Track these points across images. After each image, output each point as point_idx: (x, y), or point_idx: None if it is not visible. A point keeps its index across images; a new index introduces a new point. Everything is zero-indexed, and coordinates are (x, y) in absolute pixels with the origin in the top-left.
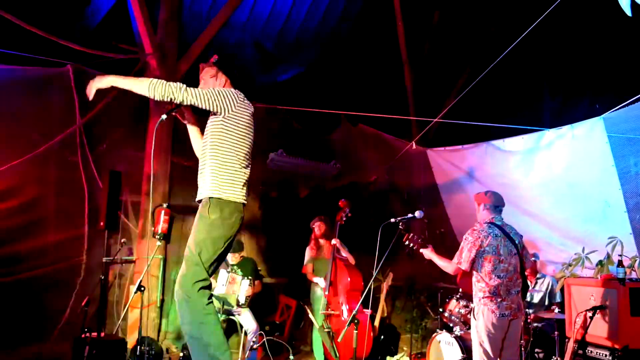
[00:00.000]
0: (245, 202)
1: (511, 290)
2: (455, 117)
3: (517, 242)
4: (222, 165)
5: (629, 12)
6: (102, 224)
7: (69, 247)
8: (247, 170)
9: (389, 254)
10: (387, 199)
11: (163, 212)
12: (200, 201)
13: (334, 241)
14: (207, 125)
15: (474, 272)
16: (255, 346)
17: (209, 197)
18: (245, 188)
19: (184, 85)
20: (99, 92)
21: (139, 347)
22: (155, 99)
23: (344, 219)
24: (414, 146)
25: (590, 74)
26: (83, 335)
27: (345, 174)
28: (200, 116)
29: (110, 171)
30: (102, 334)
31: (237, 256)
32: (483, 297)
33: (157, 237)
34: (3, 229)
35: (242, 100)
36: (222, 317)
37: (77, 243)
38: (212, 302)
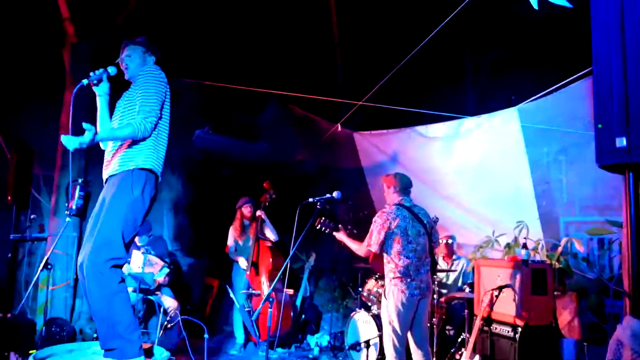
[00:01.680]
0: (160, 179)
1: (420, 270)
2: (384, 101)
3: (425, 222)
4: (148, 141)
5: (535, 5)
6: (9, 198)
7: None
8: (165, 148)
9: (313, 235)
10: (313, 180)
11: (79, 187)
12: (112, 176)
13: (258, 212)
14: (128, 97)
15: (384, 254)
16: (169, 325)
17: (132, 170)
18: (161, 162)
19: (149, 116)
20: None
21: (47, 328)
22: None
23: (269, 200)
24: (339, 128)
25: (509, 65)
26: None
27: (273, 154)
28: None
29: (18, 140)
30: (9, 315)
31: (146, 237)
32: (393, 278)
33: (67, 212)
34: None
35: (164, 78)
36: (139, 297)
37: None
38: (124, 281)
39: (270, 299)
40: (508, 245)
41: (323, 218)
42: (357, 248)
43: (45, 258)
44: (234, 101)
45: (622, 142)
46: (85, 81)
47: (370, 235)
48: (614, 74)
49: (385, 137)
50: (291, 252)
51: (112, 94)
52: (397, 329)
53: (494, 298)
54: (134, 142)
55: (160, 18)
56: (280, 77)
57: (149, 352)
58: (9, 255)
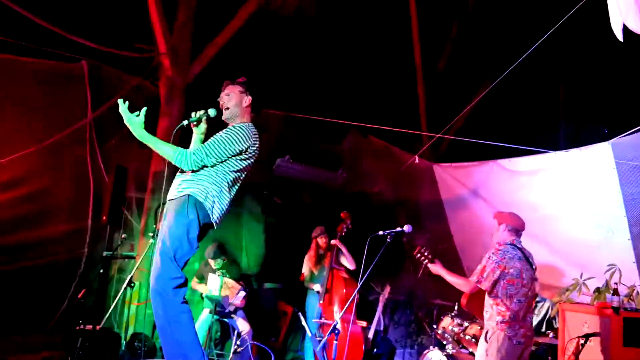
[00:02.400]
0: (215, 225)
1: (527, 317)
2: (468, 134)
3: (534, 267)
4: (212, 179)
5: (620, 37)
6: (104, 218)
7: (72, 239)
8: (229, 199)
9: (388, 267)
10: (391, 211)
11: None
12: (173, 199)
13: (333, 241)
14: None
15: (492, 295)
16: (239, 349)
17: (189, 195)
18: (221, 213)
19: (202, 156)
20: (111, 88)
21: (130, 342)
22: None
23: (345, 230)
24: (417, 160)
25: (602, 99)
26: (78, 327)
27: (351, 184)
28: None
29: (117, 166)
30: (98, 327)
31: (220, 261)
32: (501, 322)
33: (151, 234)
34: (9, 217)
35: (254, 137)
36: (215, 319)
37: (80, 235)
38: (186, 301)
39: (337, 331)
40: (598, 290)
41: (423, 248)
42: (460, 282)
43: (130, 276)
44: (315, 131)
45: None
46: (185, 122)
47: (482, 271)
48: None
49: (466, 169)
50: (359, 285)
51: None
52: None
53: (580, 347)
54: (205, 176)
55: (248, 52)
56: (360, 108)
57: None
58: (102, 270)
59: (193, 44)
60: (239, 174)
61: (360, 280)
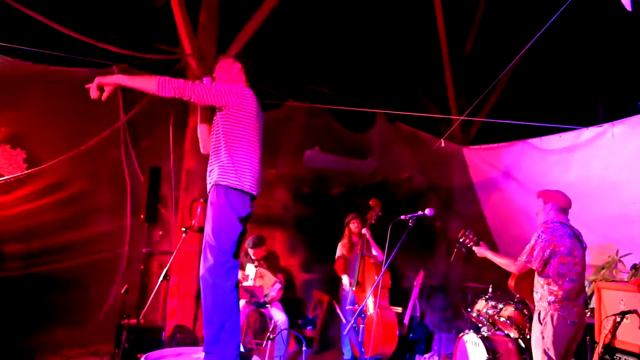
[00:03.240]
0: (253, 193)
1: (580, 296)
2: (498, 115)
3: (584, 245)
4: (226, 156)
5: (629, 8)
6: (142, 216)
7: (112, 238)
8: (254, 163)
9: (422, 253)
10: (422, 197)
11: (200, 206)
12: (209, 192)
13: (363, 230)
14: (213, 121)
15: (544, 275)
16: (272, 337)
17: (215, 185)
18: (251, 179)
19: (190, 82)
20: (141, 92)
21: (173, 334)
22: (166, 96)
23: (375, 217)
24: (443, 144)
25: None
26: (123, 321)
27: (380, 171)
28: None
29: (151, 167)
30: (142, 321)
31: (260, 251)
32: (554, 302)
33: (182, 229)
34: (53, 219)
35: (247, 95)
36: (251, 309)
37: (120, 234)
38: (236, 288)
39: (362, 315)
40: (634, 267)
41: (468, 231)
42: (507, 263)
43: (165, 270)
44: (342, 120)
45: None
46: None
47: (531, 251)
48: None
49: (496, 151)
50: (383, 268)
51: None
52: (554, 358)
53: (617, 325)
54: (219, 158)
55: (272, 46)
56: (388, 95)
57: (244, 358)
58: (142, 267)
59: (218, 42)
60: (246, 135)
61: (385, 265)
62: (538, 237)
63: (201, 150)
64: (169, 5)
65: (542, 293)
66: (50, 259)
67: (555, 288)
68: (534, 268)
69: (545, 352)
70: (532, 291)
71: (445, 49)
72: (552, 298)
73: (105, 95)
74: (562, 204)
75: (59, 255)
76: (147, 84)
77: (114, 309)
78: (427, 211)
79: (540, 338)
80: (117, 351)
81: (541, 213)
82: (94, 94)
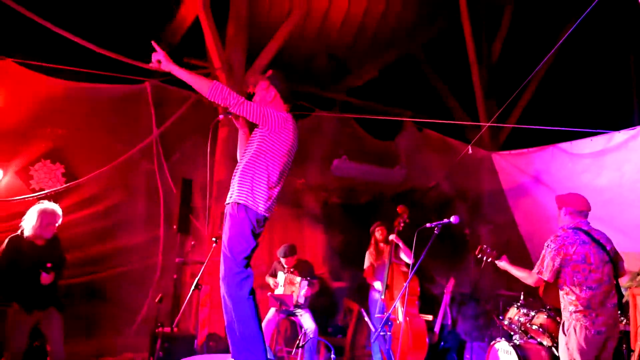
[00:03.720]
0: (267, 215)
1: (606, 303)
2: (529, 121)
3: (608, 248)
4: (253, 176)
5: None
6: (175, 227)
7: (146, 248)
8: (276, 189)
9: (452, 261)
10: (450, 204)
11: None
12: (228, 204)
13: (391, 237)
14: (252, 135)
15: (561, 284)
16: (301, 344)
17: (236, 203)
18: (268, 204)
19: (242, 99)
20: (174, 104)
21: (206, 342)
22: (215, 101)
23: (402, 224)
24: (470, 150)
25: None
26: (157, 330)
27: (408, 179)
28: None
29: (183, 179)
30: (175, 329)
31: (292, 260)
32: (575, 312)
33: (213, 239)
34: (90, 231)
35: (289, 126)
36: (281, 317)
37: (154, 244)
38: (252, 295)
39: (389, 322)
40: None
41: (484, 246)
42: (525, 276)
43: (196, 279)
44: (370, 129)
45: None
46: (221, 116)
47: (541, 261)
48: None
49: (526, 156)
50: (409, 277)
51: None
52: None
53: None
54: (245, 175)
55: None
56: (415, 102)
57: None
58: (175, 276)
59: (247, 53)
60: (276, 163)
61: (411, 272)
62: (547, 246)
63: (238, 157)
64: (198, 20)
65: (564, 303)
66: (88, 270)
67: (574, 298)
68: (545, 279)
69: None
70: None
71: (473, 55)
72: (572, 308)
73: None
74: (577, 207)
75: (95, 266)
76: (200, 84)
77: (148, 318)
78: (452, 219)
79: (566, 349)
80: (151, 359)
81: (558, 219)
82: (153, 64)
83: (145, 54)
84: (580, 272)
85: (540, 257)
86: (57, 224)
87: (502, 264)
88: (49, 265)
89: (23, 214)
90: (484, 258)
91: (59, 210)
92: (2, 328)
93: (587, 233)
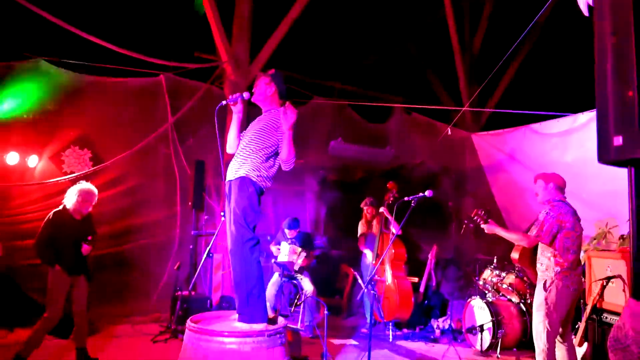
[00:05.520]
0: (269, 186)
1: (579, 266)
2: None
3: (580, 221)
4: (260, 162)
5: (586, 13)
6: (190, 203)
7: (166, 223)
8: (275, 167)
9: (435, 230)
10: (435, 180)
11: None
12: (235, 179)
13: (381, 209)
14: (260, 121)
15: (551, 248)
16: (298, 303)
17: (244, 177)
18: (270, 177)
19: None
20: (187, 94)
21: (219, 304)
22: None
23: (392, 198)
24: (450, 132)
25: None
26: (176, 293)
27: (398, 158)
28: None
29: (196, 161)
30: (192, 293)
31: (294, 232)
32: (560, 272)
33: (222, 213)
34: (116, 208)
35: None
36: (284, 281)
37: (172, 220)
38: (258, 257)
39: (374, 283)
40: (622, 237)
41: (481, 210)
42: (518, 238)
43: (208, 248)
44: (363, 114)
45: (618, 140)
46: (224, 102)
47: (541, 226)
48: (609, 73)
49: (502, 136)
50: (390, 243)
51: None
52: (556, 321)
53: (603, 288)
54: (255, 157)
55: (298, 49)
56: (405, 88)
57: (272, 321)
58: (191, 247)
59: (250, 47)
60: (274, 145)
61: (391, 239)
62: (547, 214)
63: (227, 150)
64: (207, 19)
65: (548, 264)
66: (115, 242)
67: (561, 260)
68: (543, 242)
69: (547, 315)
70: (533, 263)
71: (457, 45)
72: (558, 269)
73: None
74: (560, 183)
75: (122, 239)
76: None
77: (169, 283)
78: (427, 192)
79: (544, 304)
80: (173, 318)
81: (542, 193)
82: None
83: (160, 50)
84: (569, 239)
85: (540, 223)
86: (93, 202)
87: (491, 227)
88: (89, 238)
89: (57, 194)
90: (476, 219)
91: (95, 190)
92: (44, 288)
93: (570, 206)
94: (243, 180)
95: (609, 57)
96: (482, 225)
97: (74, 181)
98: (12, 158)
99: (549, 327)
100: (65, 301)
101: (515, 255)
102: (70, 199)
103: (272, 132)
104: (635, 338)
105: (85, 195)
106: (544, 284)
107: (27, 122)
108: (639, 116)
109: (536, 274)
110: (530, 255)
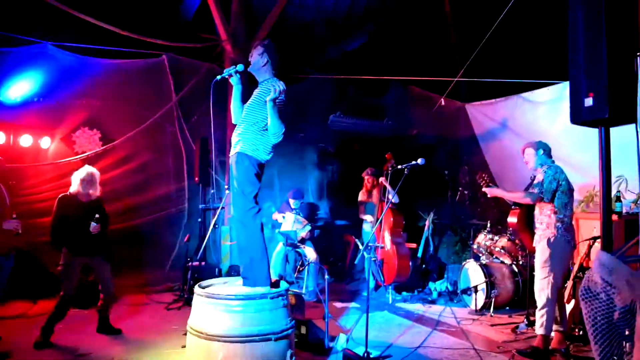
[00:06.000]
0: (268, 158)
1: (572, 223)
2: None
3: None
4: (254, 131)
5: None
6: (196, 179)
7: (175, 197)
8: (271, 140)
9: (434, 197)
10: (432, 149)
11: None
12: (233, 154)
13: (381, 179)
14: (254, 94)
15: (547, 204)
16: (301, 269)
17: (240, 153)
18: (267, 152)
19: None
20: (189, 73)
21: (228, 273)
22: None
23: (390, 169)
24: (443, 102)
25: None
26: (187, 264)
27: (395, 130)
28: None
29: (201, 137)
30: (203, 263)
31: (298, 202)
32: (562, 227)
33: (226, 187)
34: (127, 185)
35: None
36: (288, 249)
37: (181, 194)
38: (260, 224)
39: (371, 248)
40: None
41: (485, 174)
42: (520, 196)
43: (213, 220)
44: (361, 87)
45: (589, 102)
46: (219, 77)
47: (540, 184)
48: (581, 40)
49: (494, 106)
50: (385, 209)
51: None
52: (559, 275)
53: (589, 248)
54: (247, 130)
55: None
56: (400, 61)
57: (275, 284)
58: (199, 219)
59: (248, 27)
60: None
61: (386, 206)
62: (544, 172)
63: (233, 120)
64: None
65: (549, 222)
66: (128, 217)
67: (561, 216)
68: (545, 199)
69: (552, 270)
70: (528, 227)
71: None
72: (559, 225)
73: None
74: (549, 149)
75: (134, 214)
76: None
77: (180, 255)
78: (419, 160)
79: (549, 260)
80: (184, 287)
81: (533, 159)
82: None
83: (162, 32)
84: (566, 195)
85: (538, 182)
86: (96, 182)
87: (493, 190)
88: (97, 216)
89: (70, 174)
90: (481, 183)
91: (95, 171)
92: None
93: (560, 168)
94: (239, 156)
95: (580, 24)
96: (484, 189)
97: (85, 160)
98: (25, 140)
99: (552, 281)
100: (81, 273)
101: (513, 219)
102: (74, 184)
103: (263, 105)
104: (604, 287)
105: (85, 177)
106: (548, 240)
107: (37, 105)
108: (606, 79)
109: (531, 237)
110: (526, 219)
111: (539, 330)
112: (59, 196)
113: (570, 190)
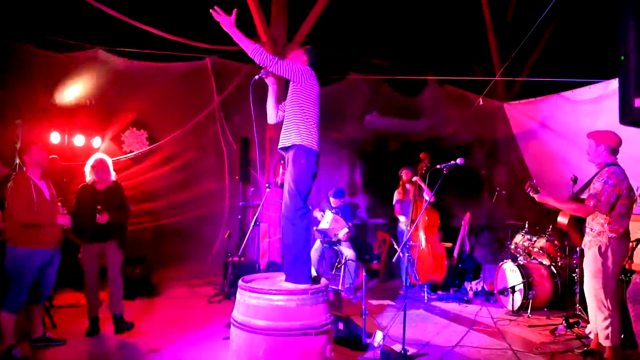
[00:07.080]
0: (318, 151)
1: (628, 229)
2: (537, 73)
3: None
4: (303, 120)
5: None
6: (237, 177)
7: (216, 195)
8: (318, 128)
9: (471, 197)
10: (468, 149)
11: (281, 166)
12: (285, 148)
13: (414, 178)
14: (289, 91)
15: (605, 215)
16: (338, 265)
17: (297, 145)
18: (317, 140)
19: (277, 58)
20: (230, 75)
21: (266, 269)
22: (255, 60)
23: (425, 168)
24: (481, 102)
25: None
26: (228, 260)
27: (431, 129)
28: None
29: (242, 137)
30: (242, 259)
31: (339, 201)
32: (615, 238)
33: (267, 185)
34: (171, 182)
35: (314, 78)
36: (325, 247)
37: (222, 192)
38: (308, 224)
39: (408, 247)
40: None
41: (533, 182)
42: (575, 208)
43: (255, 217)
44: (397, 87)
45: (639, 102)
46: (257, 76)
47: (599, 196)
48: (632, 40)
49: (533, 105)
50: (423, 209)
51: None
52: (613, 286)
53: (632, 250)
54: (297, 121)
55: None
56: (437, 61)
57: (316, 280)
58: (239, 216)
59: (288, 27)
60: (314, 107)
61: (424, 205)
62: (604, 182)
63: (268, 121)
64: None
65: (601, 230)
66: (172, 213)
67: (617, 227)
68: (602, 212)
69: (606, 281)
70: (578, 227)
71: (489, 17)
72: (613, 235)
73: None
74: (613, 144)
75: (178, 210)
76: (246, 45)
77: (220, 250)
78: (458, 160)
79: (601, 269)
80: (225, 281)
81: (592, 153)
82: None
83: (205, 36)
84: (625, 205)
85: (597, 192)
86: (108, 168)
87: (543, 197)
88: (99, 207)
89: (119, 171)
90: (529, 191)
91: (105, 157)
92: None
93: (622, 169)
94: (295, 151)
95: (630, 24)
96: (533, 195)
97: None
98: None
99: (609, 291)
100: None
101: (563, 220)
102: (87, 173)
103: (296, 98)
104: None
105: (95, 163)
106: (599, 249)
107: (89, 107)
108: None
109: (580, 238)
110: (576, 219)
111: (605, 342)
112: (79, 187)
113: (630, 198)
